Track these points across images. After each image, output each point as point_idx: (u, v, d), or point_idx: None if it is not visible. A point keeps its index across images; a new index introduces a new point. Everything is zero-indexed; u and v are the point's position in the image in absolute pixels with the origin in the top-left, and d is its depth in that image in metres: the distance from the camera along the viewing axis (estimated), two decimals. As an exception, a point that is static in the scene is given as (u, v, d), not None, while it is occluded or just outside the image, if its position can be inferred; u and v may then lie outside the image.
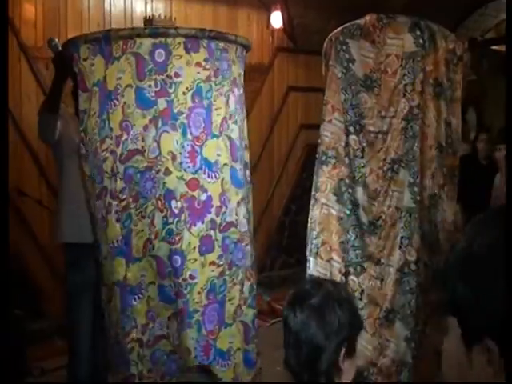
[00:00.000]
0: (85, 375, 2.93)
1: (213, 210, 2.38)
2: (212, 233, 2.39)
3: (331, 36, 2.93)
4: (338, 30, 2.92)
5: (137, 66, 2.24)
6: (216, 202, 2.39)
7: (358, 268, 2.86)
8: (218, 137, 2.40)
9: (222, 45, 2.41)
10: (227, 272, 2.45)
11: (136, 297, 2.32)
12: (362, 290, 2.85)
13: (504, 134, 5.06)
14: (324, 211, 2.88)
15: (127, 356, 2.33)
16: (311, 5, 5.93)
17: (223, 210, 2.42)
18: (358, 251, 2.86)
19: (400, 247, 2.82)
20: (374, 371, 2.83)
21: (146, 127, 2.26)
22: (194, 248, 2.35)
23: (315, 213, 2.89)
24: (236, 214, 2.48)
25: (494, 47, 8.41)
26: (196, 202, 2.34)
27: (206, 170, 2.36)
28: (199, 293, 2.37)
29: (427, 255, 2.89)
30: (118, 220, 2.28)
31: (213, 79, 2.36)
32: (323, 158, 2.90)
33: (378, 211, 2.84)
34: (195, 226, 2.34)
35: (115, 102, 2.26)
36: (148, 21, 2.87)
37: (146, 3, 5.03)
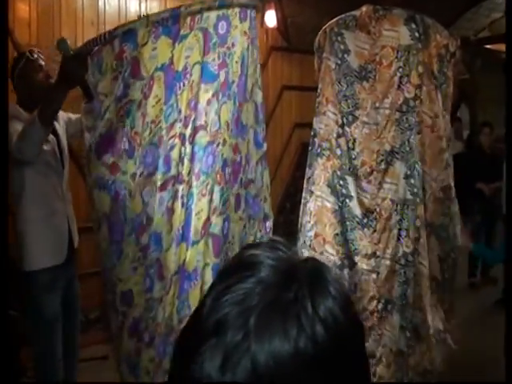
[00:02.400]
0: None
1: (242, 169, 2.45)
2: (240, 190, 2.47)
3: (325, 27, 2.95)
4: (333, 21, 2.94)
5: (204, 41, 2.20)
6: (243, 162, 2.46)
7: (351, 262, 2.87)
8: (248, 101, 2.45)
9: (254, 13, 2.43)
10: (247, 225, 2.52)
11: (192, 283, 2.28)
12: (355, 284, 2.87)
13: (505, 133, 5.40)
14: (318, 203, 2.91)
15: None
16: (305, 4, 5.96)
17: (247, 168, 2.49)
18: (349, 245, 2.87)
19: (398, 239, 2.83)
20: (373, 362, 2.84)
21: (209, 101, 2.24)
22: (233, 206, 2.44)
23: (310, 205, 2.91)
24: (255, 172, 2.55)
25: (487, 46, 8.47)
26: (236, 165, 2.41)
27: (241, 134, 2.43)
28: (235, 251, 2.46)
29: (440, 248, 2.91)
30: (182, 205, 2.23)
31: (250, 47, 2.40)
32: (318, 151, 2.92)
33: (371, 203, 2.85)
34: (234, 187, 2.42)
35: (184, 82, 2.19)
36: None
37: (140, 2, 5.02)
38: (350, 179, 2.88)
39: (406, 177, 2.82)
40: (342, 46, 2.87)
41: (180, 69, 2.18)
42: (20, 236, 2.72)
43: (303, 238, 2.89)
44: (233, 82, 2.33)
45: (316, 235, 2.89)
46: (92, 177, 2.20)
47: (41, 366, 2.82)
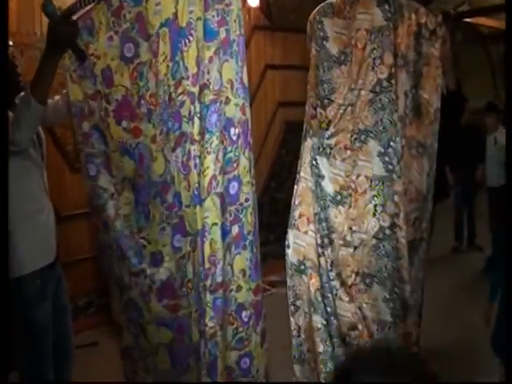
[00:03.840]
0: None
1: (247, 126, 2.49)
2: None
3: (310, 17, 3.05)
4: (315, 10, 3.03)
5: None
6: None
7: (326, 240, 2.98)
8: (243, 60, 2.47)
9: None
10: None
11: (201, 241, 2.30)
12: (332, 261, 2.98)
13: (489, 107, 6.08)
14: (303, 184, 3.03)
15: (200, 301, 2.34)
16: (287, -17, 5.97)
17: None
18: (323, 223, 2.97)
19: (374, 214, 2.93)
20: (356, 335, 2.97)
21: (210, 59, 2.25)
22: (247, 170, 2.47)
23: (297, 186, 3.04)
24: None
25: (466, 20, 8.51)
26: (246, 126, 2.45)
27: (245, 93, 2.46)
28: (251, 213, 2.50)
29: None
30: (195, 166, 2.25)
31: (240, 6, 2.42)
32: (304, 133, 3.06)
33: (346, 181, 2.95)
34: (246, 150, 2.45)
35: (189, 38, 2.19)
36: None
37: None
38: (321, 159, 2.98)
39: (380, 154, 2.91)
40: (321, 33, 2.96)
41: (184, 24, 2.18)
42: None
43: (291, 218, 3.00)
44: (233, 40, 2.35)
45: (300, 215, 3.01)
46: (113, 142, 2.18)
47: (32, 375, 2.63)
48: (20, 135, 2.25)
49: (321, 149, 2.98)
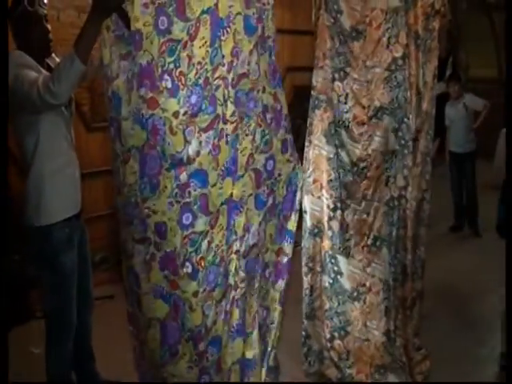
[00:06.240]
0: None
1: (284, 116, 2.79)
2: (287, 136, 2.81)
3: None
4: None
5: None
6: (284, 110, 2.80)
7: (339, 205, 3.19)
8: (275, 54, 2.74)
9: None
10: (297, 167, 2.90)
11: (238, 211, 2.55)
12: (345, 224, 3.21)
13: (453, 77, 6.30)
14: (316, 152, 3.21)
15: (227, 269, 2.53)
16: None
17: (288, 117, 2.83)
18: (339, 191, 3.18)
19: (386, 184, 3.17)
20: (363, 290, 3.25)
21: (250, 52, 2.47)
22: (279, 149, 2.75)
23: (309, 153, 3.22)
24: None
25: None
26: (278, 113, 2.73)
27: (279, 84, 2.74)
28: (282, 187, 2.81)
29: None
30: (227, 143, 2.44)
31: (273, 6, 2.65)
32: (316, 103, 3.19)
33: (362, 154, 3.15)
34: (279, 132, 2.74)
35: (228, 29, 2.37)
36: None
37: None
38: (342, 131, 3.16)
39: (395, 130, 3.13)
40: (335, 6, 3.07)
41: (224, 16, 2.34)
42: (35, 191, 2.65)
43: (306, 184, 3.19)
44: (268, 36, 2.60)
45: (314, 181, 3.22)
46: (129, 108, 2.20)
47: (59, 318, 2.79)
48: (60, 90, 2.32)
49: (340, 121, 3.16)
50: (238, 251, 2.58)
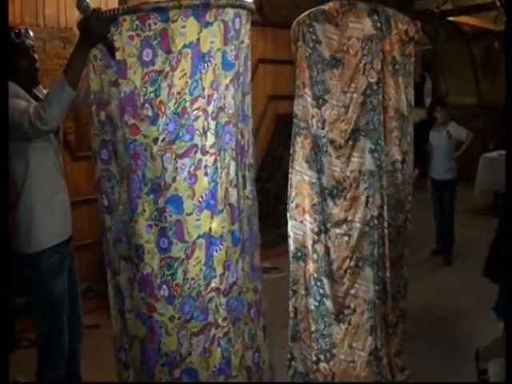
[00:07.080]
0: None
1: (246, 153, 2.73)
2: (246, 172, 2.75)
3: (298, 19, 3.29)
4: (305, 14, 3.28)
5: (224, 32, 2.43)
6: (246, 147, 2.74)
7: (323, 228, 3.27)
8: (248, 94, 2.73)
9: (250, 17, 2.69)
10: (254, 204, 2.84)
11: (218, 247, 2.50)
12: (328, 248, 3.27)
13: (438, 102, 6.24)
14: (298, 177, 3.31)
15: (206, 306, 2.48)
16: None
17: (249, 153, 2.77)
18: (322, 215, 3.26)
19: (366, 205, 3.25)
20: (348, 312, 3.30)
21: (227, 86, 2.50)
22: (241, 186, 2.69)
23: (292, 180, 3.31)
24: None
25: (450, 18, 8.81)
26: (241, 149, 2.67)
27: (244, 121, 2.70)
28: (246, 223, 2.73)
29: (390, 214, 3.29)
30: (206, 174, 2.43)
31: (250, 44, 2.66)
32: (296, 130, 3.31)
33: (341, 176, 3.25)
34: (241, 167, 2.67)
35: (208, 63, 2.41)
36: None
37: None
38: (321, 155, 3.27)
39: (371, 151, 3.23)
40: (313, 37, 3.21)
41: (205, 51, 2.39)
42: (25, 218, 2.67)
43: (290, 209, 3.27)
44: (241, 74, 2.61)
45: (297, 206, 3.30)
46: (119, 132, 2.33)
47: (51, 342, 2.80)
48: (51, 115, 2.40)
49: (320, 146, 3.26)
50: (218, 289, 2.52)
